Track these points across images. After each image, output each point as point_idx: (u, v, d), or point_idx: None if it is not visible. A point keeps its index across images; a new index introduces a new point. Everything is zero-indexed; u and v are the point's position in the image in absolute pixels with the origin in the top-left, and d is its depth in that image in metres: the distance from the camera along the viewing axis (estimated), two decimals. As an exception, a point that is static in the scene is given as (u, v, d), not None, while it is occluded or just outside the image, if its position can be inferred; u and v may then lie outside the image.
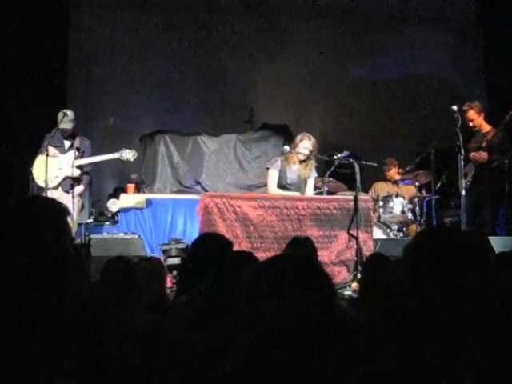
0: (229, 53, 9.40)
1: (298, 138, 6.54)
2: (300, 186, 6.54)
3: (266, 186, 6.72)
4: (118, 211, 7.53)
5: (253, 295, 1.48)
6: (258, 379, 1.08)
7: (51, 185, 6.42)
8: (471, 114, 6.84)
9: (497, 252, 4.54)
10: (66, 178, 6.51)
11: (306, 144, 6.44)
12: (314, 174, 6.64)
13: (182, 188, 8.39)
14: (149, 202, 7.65)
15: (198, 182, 8.47)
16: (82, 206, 6.80)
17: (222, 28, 9.39)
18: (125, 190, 8.00)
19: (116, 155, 6.62)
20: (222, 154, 8.63)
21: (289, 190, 6.47)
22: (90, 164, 6.67)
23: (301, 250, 2.97)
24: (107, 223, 7.53)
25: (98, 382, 1.45)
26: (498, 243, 5.24)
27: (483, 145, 6.77)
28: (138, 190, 8.12)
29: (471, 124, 6.87)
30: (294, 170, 6.51)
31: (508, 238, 6.28)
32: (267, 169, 6.63)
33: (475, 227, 6.30)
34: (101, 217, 7.73)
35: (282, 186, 6.47)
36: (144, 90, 9.19)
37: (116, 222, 7.51)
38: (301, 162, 6.48)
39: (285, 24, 9.56)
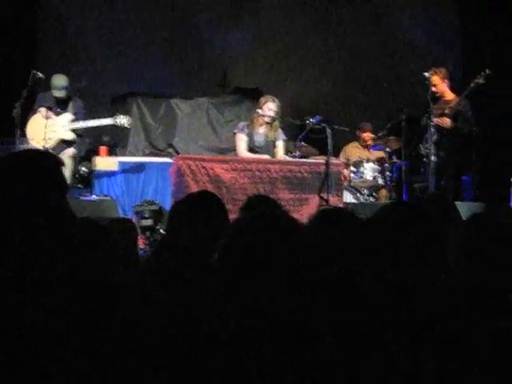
0: (203, 15, 9.29)
1: (262, 100, 6.62)
2: (268, 148, 6.61)
3: (238, 149, 6.75)
4: (90, 173, 7.51)
5: (227, 251, 1.55)
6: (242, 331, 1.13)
7: (45, 146, 6.34)
8: (435, 79, 6.89)
9: (463, 217, 4.68)
10: (60, 140, 6.42)
11: (270, 106, 6.51)
12: (283, 137, 6.70)
13: (154, 150, 8.39)
14: (121, 165, 7.63)
15: (170, 145, 8.47)
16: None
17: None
18: (97, 153, 7.96)
19: (110, 121, 6.58)
20: (194, 117, 8.63)
21: (257, 152, 6.53)
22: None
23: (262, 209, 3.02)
24: (79, 185, 7.49)
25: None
26: (463, 208, 5.34)
27: (446, 111, 6.82)
28: (110, 152, 8.09)
29: (434, 89, 6.89)
30: (260, 134, 6.58)
31: (473, 204, 6.42)
32: (234, 134, 6.70)
33: (438, 192, 6.40)
34: (73, 179, 7.68)
35: (250, 149, 6.55)
36: (116, 51, 9.06)
37: (88, 184, 7.49)
38: (267, 124, 6.53)
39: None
